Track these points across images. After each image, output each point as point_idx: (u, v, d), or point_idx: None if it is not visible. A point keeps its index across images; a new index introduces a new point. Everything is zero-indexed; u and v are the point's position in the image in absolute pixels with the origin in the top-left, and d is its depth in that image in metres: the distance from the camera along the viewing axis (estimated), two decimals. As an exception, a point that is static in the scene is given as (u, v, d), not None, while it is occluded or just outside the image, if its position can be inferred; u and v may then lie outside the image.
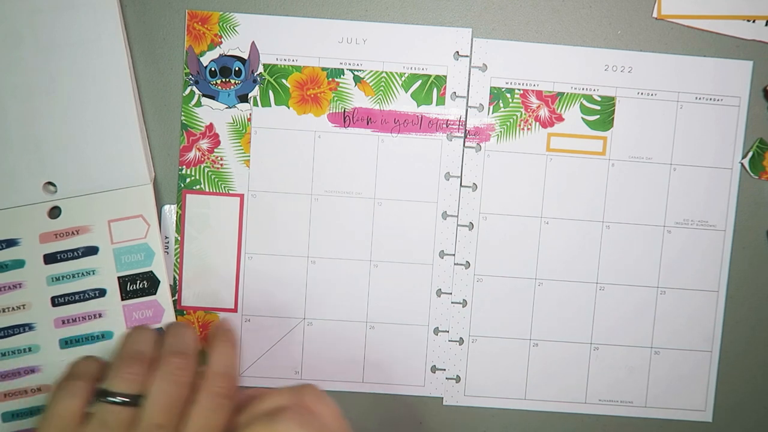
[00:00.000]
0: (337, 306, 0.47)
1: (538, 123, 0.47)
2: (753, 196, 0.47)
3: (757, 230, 0.47)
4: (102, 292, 0.45)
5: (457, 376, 0.47)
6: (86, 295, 0.45)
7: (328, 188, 0.47)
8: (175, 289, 0.47)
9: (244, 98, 0.46)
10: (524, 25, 0.46)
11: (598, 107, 0.46)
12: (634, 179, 0.47)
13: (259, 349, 0.47)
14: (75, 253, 0.45)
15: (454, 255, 0.47)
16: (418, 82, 0.46)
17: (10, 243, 0.44)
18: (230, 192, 0.47)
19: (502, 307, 0.47)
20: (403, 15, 0.46)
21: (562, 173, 0.47)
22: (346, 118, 0.46)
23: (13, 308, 0.44)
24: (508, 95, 0.46)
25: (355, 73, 0.46)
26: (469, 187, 0.47)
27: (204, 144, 0.46)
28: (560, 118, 0.46)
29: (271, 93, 0.46)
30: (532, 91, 0.46)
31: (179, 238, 0.46)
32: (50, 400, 0.35)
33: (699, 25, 0.46)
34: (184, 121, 0.46)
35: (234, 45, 0.46)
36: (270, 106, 0.46)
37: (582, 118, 0.47)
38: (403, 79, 0.46)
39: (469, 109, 0.46)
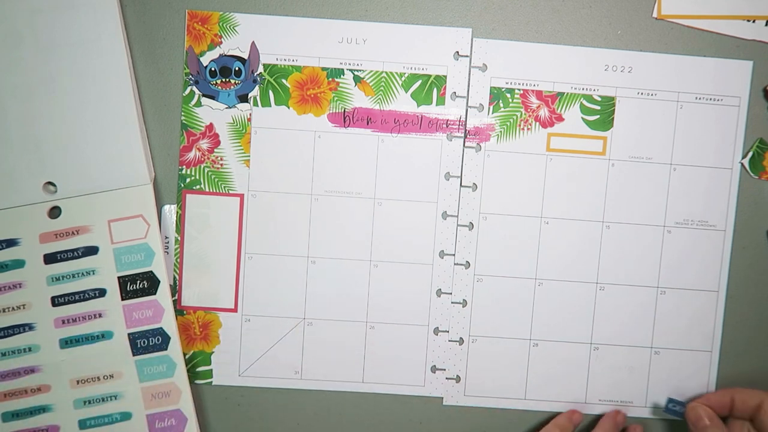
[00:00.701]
0: (337, 306, 0.47)
1: (538, 123, 0.47)
2: (753, 196, 0.47)
3: (757, 230, 0.47)
4: (102, 292, 0.45)
5: (457, 376, 0.47)
6: (86, 295, 0.45)
7: (328, 188, 0.47)
8: (175, 289, 0.47)
9: (244, 98, 0.46)
10: (524, 25, 0.46)
11: (598, 107, 0.46)
12: (634, 179, 0.47)
13: (259, 349, 0.47)
14: (75, 253, 0.45)
15: (454, 255, 0.47)
16: (418, 82, 0.46)
17: (10, 243, 0.44)
18: (230, 192, 0.47)
19: (502, 307, 0.47)
20: (403, 15, 0.46)
21: (562, 173, 0.47)
22: (346, 118, 0.46)
23: (13, 308, 0.44)
24: (508, 95, 0.46)
25: (355, 73, 0.46)
26: (469, 187, 0.47)
27: (204, 144, 0.46)
28: (560, 118, 0.47)
29: (271, 93, 0.46)
30: (532, 91, 0.46)
31: (179, 238, 0.46)
32: None
33: (699, 25, 0.46)
34: (184, 121, 0.46)
35: (234, 45, 0.46)
36: (270, 106, 0.46)
37: (582, 118, 0.47)
38: (403, 79, 0.46)
39: (469, 109, 0.46)
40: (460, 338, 0.47)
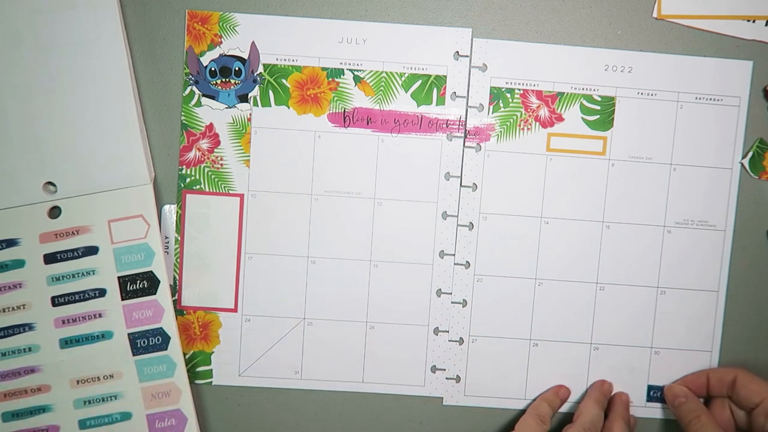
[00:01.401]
0: (337, 306, 0.47)
1: (538, 123, 0.47)
2: (753, 196, 0.47)
3: (757, 230, 0.47)
4: (102, 292, 0.45)
5: (457, 376, 0.47)
6: (86, 295, 0.45)
7: (328, 188, 0.47)
8: (175, 289, 0.47)
9: (244, 98, 0.46)
10: (524, 25, 0.46)
11: (598, 107, 0.46)
12: (634, 179, 0.47)
13: (259, 349, 0.47)
14: (75, 253, 0.45)
15: (454, 255, 0.47)
16: (418, 82, 0.46)
17: (10, 243, 0.44)
18: (230, 192, 0.47)
19: (502, 307, 0.47)
20: (403, 15, 0.46)
21: (562, 173, 0.47)
22: (346, 118, 0.46)
23: (13, 308, 0.44)
24: (508, 95, 0.46)
25: (355, 73, 0.46)
26: (469, 187, 0.47)
27: (204, 144, 0.46)
28: (560, 118, 0.46)
29: (271, 93, 0.46)
30: (532, 91, 0.46)
31: (179, 238, 0.46)
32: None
33: (699, 25, 0.46)
34: (184, 121, 0.46)
35: (234, 45, 0.46)
36: (270, 106, 0.46)
37: (582, 118, 0.47)
38: (403, 79, 0.46)
39: (469, 109, 0.46)
40: (460, 338, 0.47)
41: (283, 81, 0.46)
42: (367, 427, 0.48)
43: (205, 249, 0.47)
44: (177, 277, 0.47)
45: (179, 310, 0.47)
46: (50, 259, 0.44)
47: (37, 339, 0.44)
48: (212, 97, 0.46)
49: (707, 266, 0.47)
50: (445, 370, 0.47)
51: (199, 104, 0.46)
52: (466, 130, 0.47)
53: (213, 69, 0.46)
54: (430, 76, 0.46)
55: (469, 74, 0.46)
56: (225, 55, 0.46)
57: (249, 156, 0.46)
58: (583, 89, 0.46)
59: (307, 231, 0.47)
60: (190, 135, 0.46)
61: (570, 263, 0.47)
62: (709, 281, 0.47)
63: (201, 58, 0.46)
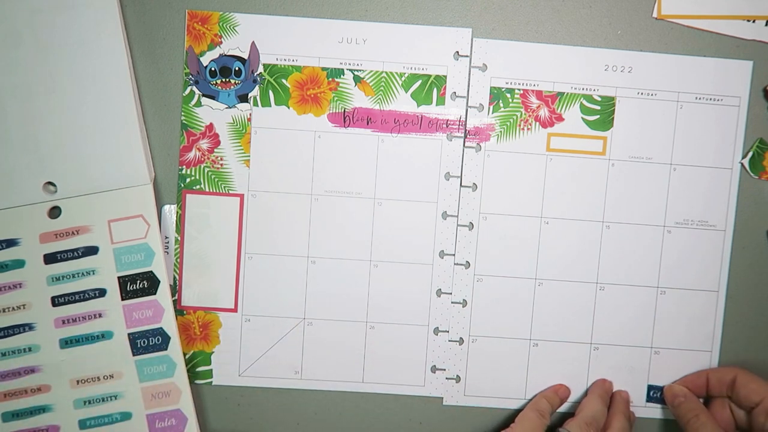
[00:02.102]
0: (337, 306, 0.47)
1: (538, 123, 0.47)
2: (753, 196, 0.47)
3: (757, 230, 0.47)
4: (102, 292, 0.45)
5: (457, 376, 0.47)
6: (86, 295, 0.45)
7: (328, 188, 0.47)
8: (175, 289, 0.47)
9: (244, 98, 0.46)
10: (524, 25, 0.46)
11: (598, 107, 0.46)
12: (634, 179, 0.47)
13: (259, 349, 0.47)
14: (75, 253, 0.45)
15: (454, 255, 0.47)
16: (418, 82, 0.46)
17: (10, 243, 0.44)
18: (230, 192, 0.47)
19: (502, 307, 0.47)
20: (403, 15, 0.46)
21: (562, 173, 0.47)
22: (346, 118, 0.46)
23: (13, 308, 0.44)
24: (508, 95, 0.46)
25: (355, 73, 0.46)
26: (469, 187, 0.47)
27: (204, 144, 0.46)
28: (560, 118, 0.46)
29: (271, 93, 0.46)
30: (532, 91, 0.46)
31: (179, 238, 0.46)
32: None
33: (699, 25, 0.46)
34: (184, 121, 0.46)
35: (234, 45, 0.46)
36: (270, 106, 0.46)
37: (582, 118, 0.47)
38: (403, 79, 0.46)
39: (469, 109, 0.46)
40: (460, 338, 0.47)
41: (283, 81, 0.46)
42: (367, 427, 0.48)
43: (205, 249, 0.47)
44: (177, 277, 0.47)
45: (179, 310, 0.47)
46: (50, 259, 0.44)
47: (37, 339, 0.44)
48: (212, 97, 0.46)
49: (707, 266, 0.47)
50: (445, 370, 0.47)
51: (199, 104, 0.46)
52: (466, 130, 0.47)
53: (213, 69, 0.46)
54: (430, 76, 0.46)
55: (469, 74, 0.46)
56: (225, 55, 0.46)
57: (249, 156, 0.46)
58: (583, 89, 0.46)
59: (307, 231, 0.47)
60: (190, 135, 0.46)
61: (570, 263, 0.47)
62: (709, 281, 0.47)
63: (201, 58, 0.46)
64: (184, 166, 0.46)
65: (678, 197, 0.47)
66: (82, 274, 0.45)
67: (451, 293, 0.47)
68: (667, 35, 0.46)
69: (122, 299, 0.45)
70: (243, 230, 0.47)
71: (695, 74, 0.46)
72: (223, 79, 0.46)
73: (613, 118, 0.47)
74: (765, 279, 0.47)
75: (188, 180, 0.46)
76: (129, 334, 0.45)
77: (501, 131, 0.47)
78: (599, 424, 0.43)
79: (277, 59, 0.46)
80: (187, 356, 0.46)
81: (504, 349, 0.47)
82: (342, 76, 0.46)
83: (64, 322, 0.44)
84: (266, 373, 0.47)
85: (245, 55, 0.46)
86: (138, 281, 0.45)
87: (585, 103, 0.46)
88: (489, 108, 0.46)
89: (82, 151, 0.44)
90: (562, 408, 0.47)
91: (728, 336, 0.47)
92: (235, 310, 0.47)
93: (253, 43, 0.46)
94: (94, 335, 0.45)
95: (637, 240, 0.47)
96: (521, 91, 0.46)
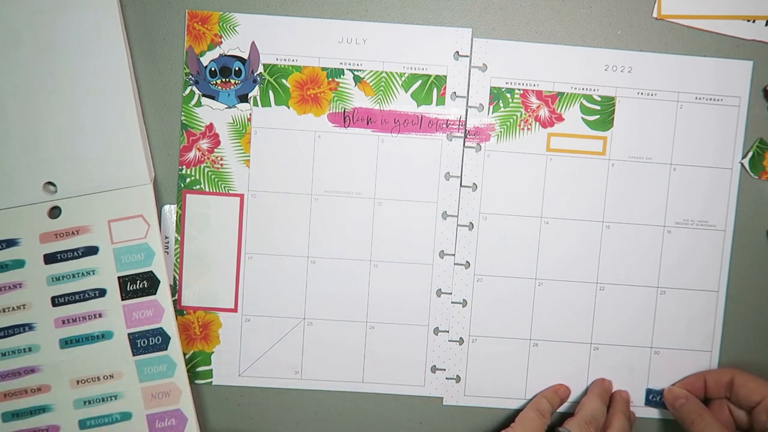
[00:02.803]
0: (337, 306, 0.47)
1: (538, 123, 0.47)
2: (753, 196, 0.47)
3: (757, 230, 0.47)
4: (102, 292, 0.45)
5: (457, 376, 0.47)
6: (86, 295, 0.45)
7: (328, 188, 0.47)
8: (175, 289, 0.47)
9: (244, 98, 0.46)
10: (524, 25, 0.46)
11: (598, 107, 0.46)
12: (634, 179, 0.47)
13: (259, 349, 0.47)
14: (75, 253, 0.45)
15: (454, 255, 0.47)
16: (418, 82, 0.46)
17: (10, 243, 0.44)
18: (230, 192, 0.47)
19: (502, 307, 0.47)
20: (403, 15, 0.46)
21: (562, 173, 0.47)
22: (346, 118, 0.46)
23: (13, 308, 0.44)
24: (508, 95, 0.46)
25: (355, 73, 0.46)
26: (469, 187, 0.47)
27: (204, 144, 0.46)
28: (560, 118, 0.47)
29: (271, 93, 0.46)
30: (532, 91, 0.46)
31: (179, 238, 0.46)
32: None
33: (699, 25, 0.46)
34: (184, 121, 0.46)
35: (234, 45, 0.46)
36: (270, 106, 0.46)
37: (582, 118, 0.47)
38: (403, 79, 0.46)
39: (469, 109, 0.46)
40: (460, 338, 0.47)
41: (283, 81, 0.46)
42: (367, 427, 0.48)
43: (205, 249, 0.47)
44: (177, 277, 0.47)
45: (179, 310, 0.47)
46: (50, 259, 0.44)
47: (37, 339, 0.44)
48: (212, 97, 0.46)
49: (707, 266, 0.47)
50: (445, 370, 0.47)
51: (199, 104, 0.46)
52: (466, 130, 0.47)
53: (213, 69, 0.46)
54: (430, 76, 0.46)
55: (469, 74, 0.46)
56: (225, 55, 0.46)
57: (249, 156, 0.46)
58: (583, 89, 0.46)
59: (307, 231, 0.47)
60: (190, 135, 0.46)
61: (570, 263, 0.47)
62: (709, 281, 0.47)
63: (201, 58, 0.46)
64: (184, 166, 0.46)
65: (678, 197, 0.47)
66: (82, 274, 0.45)
67: (451, 293, 0.47)
68: (667, 35, 0.46)
69: (122, 299, 0.45)
70: (243, 230, 0.47)
71: (695, 74, 0.46)
72: (223, 79, 0.46)
73: (613, 118, 0.47)
74: (765, 279, 0.47)
75: (188, 180, 0.46)
76: (129, 334, 0.45)
77: (501, 131, 0.47)
78: (599, 423, 0.43)
79: (277, 59, 0.46)
80: (187, 356, 0.46)
81: (504, 349, 0.47)
82: (342, 76, 0.46)
83: (64, 322, 0.44)
84: (266, 373, 0.47)
85: (245, 55, 0.46)
86: (138, 281, 0.45)
87: (585, 103, 0.46)
88: (489, 108, 0.46)
89: (82, 151, 0.44)
90: (562, 408, 0.47)
91: (728, 336, 0.47)
92: (235, 310, 0.47)
93: (253, 43, 0.46)
94: (94, 335, 0.45)
95: (637, 240, 0.47)
96: (521, 91, 0.46)
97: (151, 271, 0.45)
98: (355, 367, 0.47)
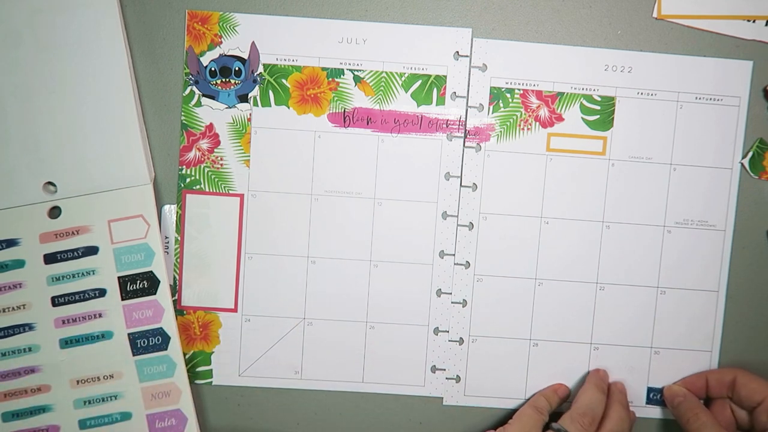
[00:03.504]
0: (337, 306, 0.47)
1: (538, 123, 0.47)
2: (753, 196, 0.47)
3: (757, 230, 0.47)
4: (102, 292, 0.45)
5: (457, 376, 0.47)
6: (86, 295, 0.45)
7: (328, 188, 0.47)
8: (175, 289, 0.47)
9: (244, 98, 0.46)
10: (524, 25, 0.46)
11: (598, 107, 0.46)
12: (634, 179, 0.47)
13: (259, 349, 0.47)
14: (75, 253, 0.45)
15: (454, 255, 0.47)
16: (418, 82, 0.46)
17: (10, 243, 0.44)
18: (230, 192, 0.47)
19: (502, 307, 0.47)
20: (403, 15, 0.46)
21: (562, 173, 0.47)
22: (346, 118, 0.46)
23: (13, 308, 0.44)
24: (508, 95, 0.46)
25: (355, 73, 0.46)
26: (469, 187, 0.47)
27: (204, 144, 0.46)
28: (560, 118, 0.47)
29: (271, 93, 0.46)
30: (532, 91, 0.46)
31: (179, 238, 0.46)
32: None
33: (699, 25, 0.46)
34: (184, 121, 0.46)
35: (234, 45, 0.46)
36: (270, 106, 0.46)
37: (582, 118, 0.47)
38: (403, 79, 0.46)
39: (469, 109, 0.46)
40: (460, 338, 0.47)
41: (283, 81, 0.46)
42: (367, 427, 0.48)
43: (205, 249, 0.47)
44: (177, 277, 0.47)
45: (179, 310, 0.47)
46: (50, 259, 0.44)
47: (37, 339, 0.44)
48: (212, 97, 0.46)
49: (707, 266, 0.47)
50: (445, 370, 0.47)
51: (199, 104, 0.46)
52: (466, 130, 0.47)
53: (213, 69, 0.46)
54: (430, 76, 0.46)
55: (469, 74, 0.46)
56: (225, 55, 0.46)
57: (249, 156, 0.46)
58: (583, 89, 0.46)
59: (307, 231, 0.47)
60: (190, 135, 0.46)
61: (570, 263, 0.47)
62: (709, 281, 0.47)
63: (201, 58, 0.46)
64: (184, 166, 0.46)
65: (678, 197, 0.47)
66: (82, 274, 0.45)
67: (451, 293, 0.47)
68: (667, 35, 0.46)
69: (122, 299, 0.45)
70: (243, 230, 0.47)
71: (695, 74, 0.46)
72: (223, 79, 0.46)
73: (613, 118, 0.47)
74: (765, 279, 0.47)
75: (188, 180, 0.46)
76: (129, 334, 0.45)
77: (501, 131, 0.47)
78: (595, 413, 0.43)
79: (277, 59, 0.46)
80: (187, 356, 0.46)
81: (504, 349, 0.47)
82: (342, 76, 0.46)
83: (64, 322, 0.44)
84: (266, 373, 0.47)
85: (245, 55, 0.46)
86: (138, 281, 0.45)
87: (585, 103, 0.46)
88: (489, 108, 0.46)
89: (82, 151, 0.44)
90: (563, 408, 0.47)
91: (728, 336, 0.47)
92: (235, 310, 0.47)
93: (253, 43, 0.46)
94: (94, 335, 0.45)
95: (637, 240, 0.47)
96: (521, 91, 0.46)
97: (151, 271, 0.45)
98: (355, 367, 0.47)
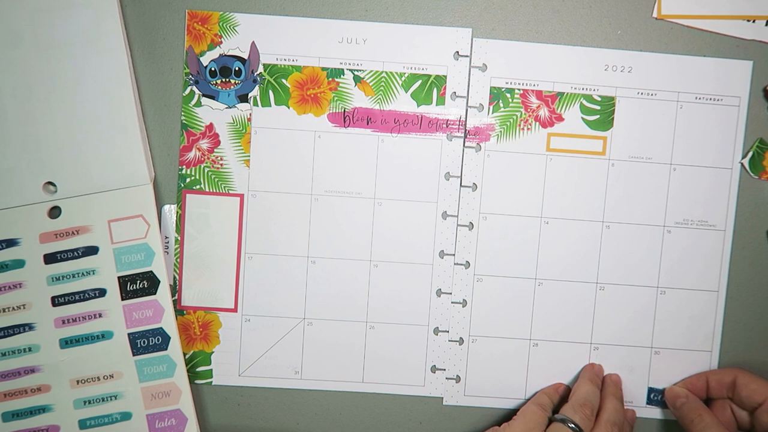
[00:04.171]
0: (337, 306, 0.47)
1: (538, 123, 0.47)
2: (753, 196, 0.47)
3: (757, 230, 0.47)
4: (102, 292, 0.45)
5: (457, 376, 0.47)
6: (86, 295, 0.45)
7: (328, 188, 0.47)
8: (175, 289, 0.47)
9: (244, 98, 0.46)
10: (524, 25, 0.46)
11: (598, 107, 0.46)
12: (634, 179, 0.47)
13: (259, 349, 0.47)
14: (75, 253, 0.45)
15: (454, 255, 0.47)
16: (418, 82, 0.46)
17: (10, 243, 0.44)
18: (230, 192, 0.47)
19: (502, 307, 0.47)
20: (403, 15, 0.46)
21: (562, 173, 0.47)
22: (346, 118, 0.46)
23: (13, 308, 0.44)
24: (508, 95, 0.46)
25: (355, 73, 0.46)
26: (469, 187, 0.47)
27: (204, 144, 0.46)
28: (560, 118, 0.47)
29: (271, 93, 0.46)
30: (532, 91, 0.46)
31: (179, 238, 0.46)
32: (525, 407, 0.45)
33: (699, 25, 0.46)
34: (184, 121, 0.46)
35: (234, 45, 0.46)
36: (270, 106, 0.46)
37: (582, 118, 0.47)
38: (403, 79, 0.46)
39: (469, 109, 0.46)
40: (460, 338, 0.47)
41: (283, 81, 0.46)
42: (367, 427, 0.48)
43: (205, 249, 0.47)
44: (177, 277, 0.47)
45: (179, 310, 0.47)
46: (50, 259, 0.44)
47: (37, 339, 0.44)
48: (212, 97, 0.46)
49: (707, 266, 0.47)
50: (445, 370, 0.47)
51: (199, 104, 0.46)
52: (466, 130, 0.47)
53: (213, 69, 0.46)
54: (430, 76, 0.46)
55: (469, 74, 0.46)
56: (225, 55, 0.46)
57: (249, 156, 0.46)
58: (583, 89, 0.46)
59: (307, 231, 0.47)
60: (190, 135, 0.46)
61: (570, 263, 0.47)
62: (709, 281, 0.47)
63: (201, 58, 0.46)
64: (184, 166, 0.46)
65: (678, 197, 0.47)
66: (82, 274, 0.45)
67: (451, 293, 0.47)
68: (667, 35, 0.46)
69: (122, 299, 0.45)
70: (243, 230, 0.47)
71: (695, 74, 0.46)
72: (223, 79, 0.46)
73: (613, 118, 0.47)
74: (765, 279, 0.47)
75: (188, 180, 0.46)
76: (129, 334, 0.45)
77: (501, 131, 0.47)
78: (593, 405, 0.43)
79: (277, 59, 0.46)
80: (187, 356, 0.46)
81: (504, 349, 0.47)
82: (342, 76, 0.46)
83: (64, 322, 0.44)
84: (266, 373, 0.47)
85: (245, 55, 0.46)
86: (138, 281, 0.45)
87: (585, 103, 0.46)
88: (489, 108, 0.46)
89: (82, 151, 0.44)
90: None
91: (728, 336, 0.47)
92: (235, 310, 0.47)
93: (253, 43, 0.46)
94: (94, 335, 0.45)
95: (637, 240, 0.47)
96: (521, 91, 0.46)
97: (151, 271, 0.45)
98: (355, 367, 0.47)
